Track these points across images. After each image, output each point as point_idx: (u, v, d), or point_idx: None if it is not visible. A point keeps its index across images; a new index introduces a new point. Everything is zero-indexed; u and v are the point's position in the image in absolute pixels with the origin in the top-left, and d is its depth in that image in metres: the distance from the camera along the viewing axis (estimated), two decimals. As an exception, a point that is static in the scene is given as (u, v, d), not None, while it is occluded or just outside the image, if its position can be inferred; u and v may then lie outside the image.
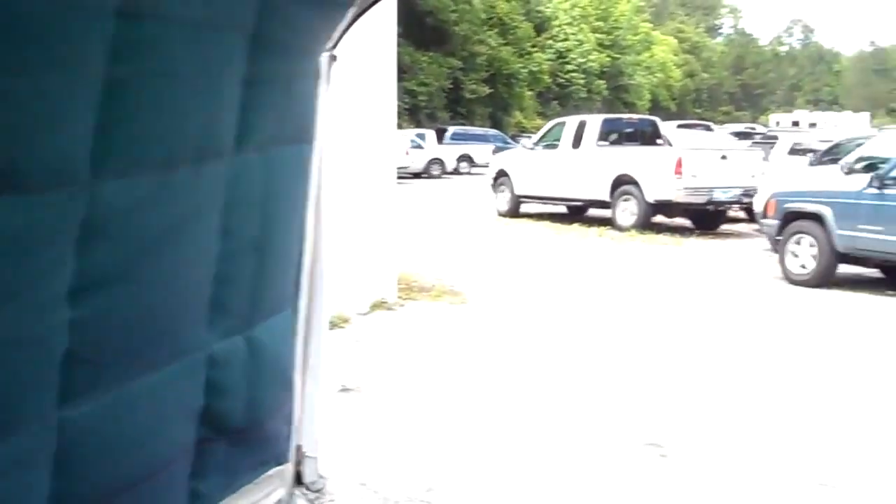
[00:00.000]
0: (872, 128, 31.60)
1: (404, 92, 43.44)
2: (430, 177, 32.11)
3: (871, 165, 11.72)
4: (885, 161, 10.91)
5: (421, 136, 33.07)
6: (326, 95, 3.57)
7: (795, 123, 52.91)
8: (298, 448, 3.81)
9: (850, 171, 12.11)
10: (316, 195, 3.64)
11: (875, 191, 9.76)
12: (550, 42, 62.12)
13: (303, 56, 3.35)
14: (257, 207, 3.07)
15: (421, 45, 45.67)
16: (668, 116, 52.17)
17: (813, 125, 49.39)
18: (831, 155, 15.19)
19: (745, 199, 15.39)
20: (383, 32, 7.80)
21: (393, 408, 5.45)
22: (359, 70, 6.68)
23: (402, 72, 42.32)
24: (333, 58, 3.63)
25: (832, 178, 12.12)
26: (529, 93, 58.80)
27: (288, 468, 3.74)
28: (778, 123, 54.52)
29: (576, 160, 16.96)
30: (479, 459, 4.59)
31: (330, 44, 3.56)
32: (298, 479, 3.87)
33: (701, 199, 15.35)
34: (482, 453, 4.68)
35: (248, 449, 3.30)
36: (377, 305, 8.19)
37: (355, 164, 7.11)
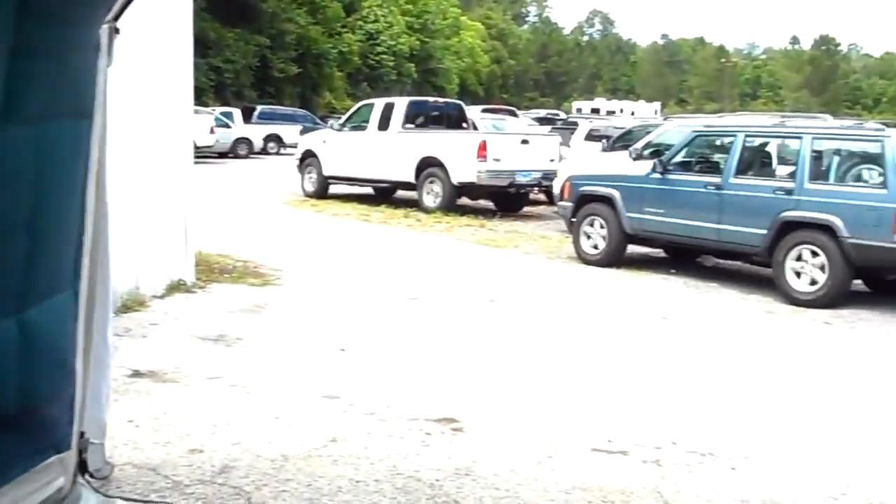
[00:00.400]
0: (661, 116, 33.57)
1: (210, 68, 42.23)
2: (237, 157, 31.38)
3: (656, 152, 12.52)
4: (668, 148, 11.67)
5: (227, 115, 32.23)
6: (107, 69, 3.44)
7: (595, 111, 55.53)
8: (82, 435, 3.68)
9: (638, 157, 12.88)
10: (97, 172, 3.49)
11: (659, 176, 10.39)
12: (360, 23, 62.05)
13: (80, 27, 3.20)
14: (28, 184, 2.92)
15: (227, 21, 44.45)
16: (476, 101, 53.46)
17: (612, 112, 52.00)
18: (623, 141, 16.08)
19: (545, 183, 16.00)
20: (178, 5, 7.55)
21: (187, 392, 5.34)
22: (150, 44, 6.45)
23: (207, 47, 41.22)
24: (116, 30, 3.49)
25: (622, 164, 12.84)
26: (339, 73, 58.56)
27: (70, 456, 3.60)
28: (580, 110, 56.99)
29: (383, 142, 17.07)
30: (270, 435, 4.58)
31: (111, 15, 3.43)
32: (83, 467, 3.74)
33: (503, 182, 15.83)
34: (271, 433, 4.68)
35: (22, 437, 3.16)
36: (175, 288, 7.96)
37: (146, 142, 6.88)
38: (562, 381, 5.95)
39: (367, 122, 17.69)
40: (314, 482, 4.10)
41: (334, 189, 18.56)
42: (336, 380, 5.72)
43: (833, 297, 8.90)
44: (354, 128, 18.04)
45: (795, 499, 4.19)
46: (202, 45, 37.55)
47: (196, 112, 23.50)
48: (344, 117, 19.56)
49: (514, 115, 28.52)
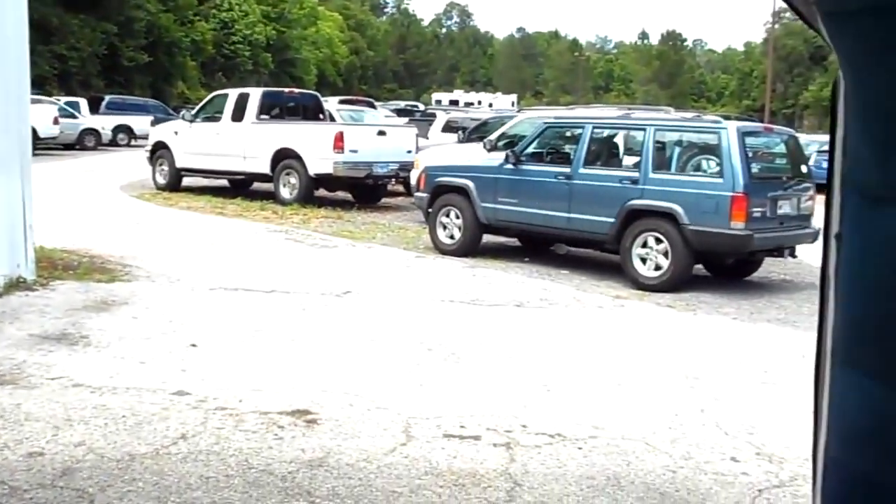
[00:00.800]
0: (517, 108, 34.25)
1: (53, 56, 40.35)
2: (84, 148, 30.07)
3: (510, 143, 12.78)
4: (521, 139, 11.94)
5: (73, 105, 30.86)
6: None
7: (454, 102, 56.14)
8: None
9: (493, 148, 13.13)
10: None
11: (512, 166, 10.62)
12: (214, 11, 60.61)
13: None
14: None
15: (71, 7, 42.51)
16: (335, 92, 53.14)
17: (471, 104, 52.72)
18: (479, 133, 16.34)
19: (403, 174, 16.08)
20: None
21: (26, 393, 5.12)
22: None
23: (50, 34, 39.34)
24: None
25: (477, 154, 13.05)
26: (193, 63, 57.04)
27: None
28: (439, 102, 57.52)
29: (237, 133, 16.75)
30: (116, 436, 4.46)
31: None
32: None
33: (361, 174, 15.80)
34: (117, 432, 4.55)
35: None
36: (13, 286, 7.61)
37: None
38: (415, 371, 6.02)
39: (220, 112, 17.31)
40: (162, 481, 4.01)
41: (188, 181, 18.10)
42: (186, 376, 5.60)
43: (676, 282, 9.33)
44: (208, 119, 17.62)
45: (637, 472, 4.39)
46: (44, 32, 35.85)
47: (37, 101, 22.56)
48: (197, 108, 19.06)
49: (373, 106, 28.52)
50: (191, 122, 17.96)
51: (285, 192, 16.00)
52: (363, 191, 16.67)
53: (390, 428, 4.84)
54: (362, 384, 5.62)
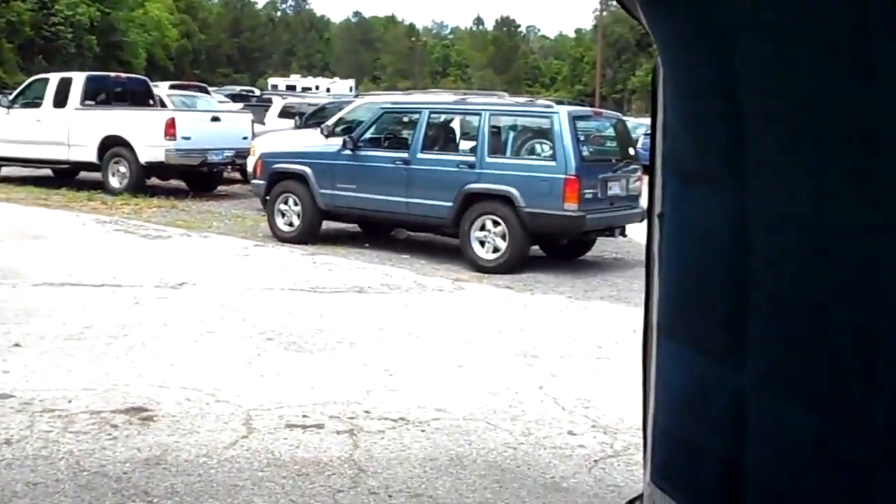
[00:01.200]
0: (354, 94, 34.11)
1: None
2: None
3: (347, 129, 12.71)
4: (359, 124, 11.89)
5: None
6: None
7: (292, 87, 55.24)
8: None
9: (330, 134, 13.02)
10: None
11: (350, 152, 10.56)
12: (31, -9, 57.24)
13: None
14: None
15: None
16: (166, 77, 51.21)
17: (308, 89, 52.02)
18: (316, 118, 16.16)
19: (239, 161, 15.68)
20: None
21: None
22: None
23: None
24: None
25: (314, 140, 12.91)
26: (9, 45, 53.71)
27: None
28: (276, 87, 56.44)
29: (59, 120, 15.87)
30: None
31: None
32: None
33: (195, 161, 15.30)
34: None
35: None
36: None
37: None
38: (256, 362, 5.91)
39: (41, 98, 16.35)
40: (-17, 490, 3.77)
41: (7, 171, 17.03)
42: (10, 377, 5.29)
43: (514, 264, 9.55)
44: (27, 104, 16.59)
45: (479, 451, 4.47)
46: None
47: None
48: (14, 93, 17.94)
49: (206, 91, 27.64)
50: (8, 108, 16.85)
51: (114, 182, 15.31)
52: (198, 179, 16.15)
53: (231, 421, 4.73)
54: (201, 378, 5.46)
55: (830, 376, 1.37)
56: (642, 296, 1.70)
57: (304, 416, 4.87)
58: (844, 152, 1.26)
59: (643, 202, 10.01)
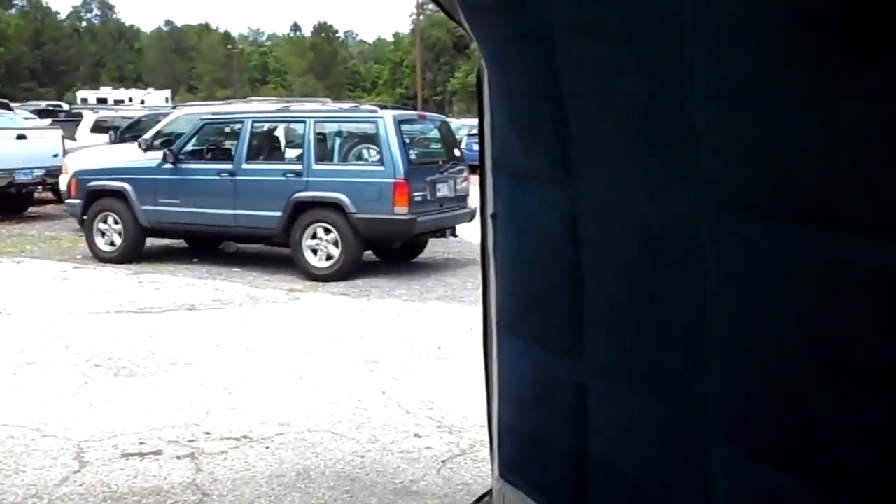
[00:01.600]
0: (171, 105, 33.05)
1: None
2: None
3: (167, 141, 12.30)
4: (179, 137, 11.52)
5: None
6: None
7: (103, 100, 52.84)
8: None
9: (149, 148, 12.55)
10: None
11: (171, 166, 10.22)
12: None
13: None
14: None
15: None
16: (-38, 93, 47.89)
17: (121, 102, 49.92)
18: (133, 132, 15.53)
19: (50, 180, 14.88)
20: None
21: None
22: None
23: None
24: None
25: (132, 155, 12.41)
26: None
27: None
28: (85, 100, 53.91)
29: None
30: None
31: None
32: None
33: (1, 183, 14.41)
34: None
35: None
36: None
37: None
38: (84, 390, 5.61)
39: None
40: None
41: None
42: None
43: (348, 270, 9.51)
44: None
45: (326, 462, 4.42)
46: None
47: None
48: None
49: (9, 107, 26.02)
50: None
51: None
52: (7, 200, 15.15)
53: (60, 456, 4.47)
54: (23, 413, 5.14)
55: (663, 360, 1.44)
56: (477, 294, 1.73)
57: (141, 443, 4.66)
58: (664, 146, 1.33)
59: (472, 202, 10.20)
